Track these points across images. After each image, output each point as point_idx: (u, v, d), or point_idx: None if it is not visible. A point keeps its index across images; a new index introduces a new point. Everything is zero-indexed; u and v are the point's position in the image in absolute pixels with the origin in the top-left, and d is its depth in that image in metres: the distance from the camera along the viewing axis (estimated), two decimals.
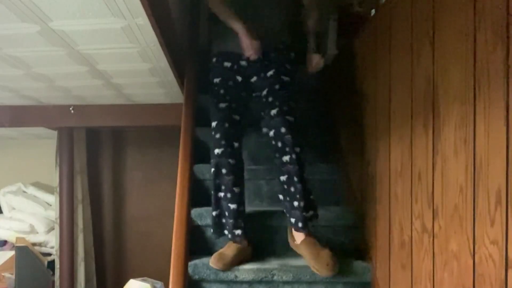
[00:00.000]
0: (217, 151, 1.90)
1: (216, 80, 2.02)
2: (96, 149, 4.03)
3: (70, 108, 2.91)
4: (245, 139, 2.09)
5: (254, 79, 2.03)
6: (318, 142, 2.55)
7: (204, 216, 2.10)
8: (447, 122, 1.22)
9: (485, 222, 1.03)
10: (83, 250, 3.63)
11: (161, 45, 1.70)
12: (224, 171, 1.90)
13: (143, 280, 2.49)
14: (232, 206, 1.92)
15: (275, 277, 1.89)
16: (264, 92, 1.96)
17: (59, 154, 3.54)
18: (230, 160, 1.90)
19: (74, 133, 3.57)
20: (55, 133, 3.51)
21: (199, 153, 2.43)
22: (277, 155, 1.91)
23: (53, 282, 3.52)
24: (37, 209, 3.83)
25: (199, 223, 2.10)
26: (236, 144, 1.93)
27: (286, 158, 1.87)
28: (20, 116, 2.91)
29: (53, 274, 3.54)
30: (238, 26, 1.95)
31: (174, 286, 1.81)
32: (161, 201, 3.92)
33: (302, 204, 1.87)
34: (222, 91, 1.98)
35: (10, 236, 3.71)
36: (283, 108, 1.89)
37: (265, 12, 2.03)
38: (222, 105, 1.96)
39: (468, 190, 1.10)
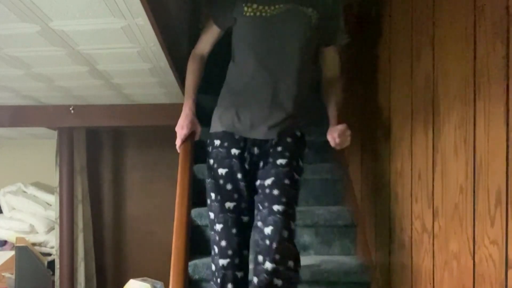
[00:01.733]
0: (222, 262, 1.56)
1: (222, 171, 1.63)
2: (96, 149, 4.02)
3: (70, 108, 2.91)
4: None
5: (261, 164, 1.66)
6: (319, 141, 2.55)
7: (204, 216, 2.10)
8: (447, 121, 1.22)
9: (485, 222, 1.03)
10: (83, 250, 3.63)
11: (161, 45, 1.69)
12: (230, 286, 1.56)
13: (143, 280, 2.49)
14: None
15: None
16: (269, 182, 1.59)
17: (59, 154, 3.53)
18: (238, 273, 1.57)
19: (74, 133, 3.57)
20: (55, 133, 3.51)
21: (199, 153, 2.43)
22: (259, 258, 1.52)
23: (53, 282, 3.52)
24: (37, 209, 3.83)
25: (199, 223, 2.10)
26: (245, 252, 1.60)
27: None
28: (20, 116, 2.91)
29: (53, 274, 3.54)
30: (185, 103, 1.76)
31: (174, 286, 1.80)
32: (161, 201, 3.92)
33: None
34: (229, 187, 1.62)
35: (10, 236, 3.71)
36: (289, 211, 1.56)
37: (286, 82, 1.66)
38: (230, 204, 1.60)
39: (468, 190, 1.10)
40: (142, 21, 1.44)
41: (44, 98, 2.72)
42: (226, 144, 1.66)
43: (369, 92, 1.99)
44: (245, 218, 1.62)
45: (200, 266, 1.93)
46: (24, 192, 3.96)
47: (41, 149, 4.13)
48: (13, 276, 3.18)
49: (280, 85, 1.64)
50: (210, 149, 1.71)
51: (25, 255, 3.17)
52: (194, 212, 2.11)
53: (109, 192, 4.07)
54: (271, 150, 1.65)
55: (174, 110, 2.67)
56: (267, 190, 1.58)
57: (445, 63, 1.24)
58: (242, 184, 1.62)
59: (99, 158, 4.05)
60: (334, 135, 1.68)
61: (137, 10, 1.35)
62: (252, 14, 1.60)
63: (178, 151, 1.87)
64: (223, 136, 1.68)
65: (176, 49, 1.96)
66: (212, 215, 1.62)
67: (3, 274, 3.30)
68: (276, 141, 1.65)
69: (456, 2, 1.17)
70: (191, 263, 1.94)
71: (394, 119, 1.68)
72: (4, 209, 3.91)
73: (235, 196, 1.61)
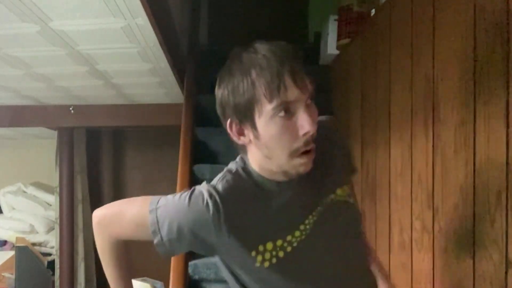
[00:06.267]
0: None
1: None
2: (96, 149, 4.02)
3: (70, 108, 2.91)
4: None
5: None
6: None
7: None
8: (447, 122, 1.22)
9: (485, 222, 1.02)
10: (83, 250, 3.64)
11: (161, 45, 1.69)
12: None
13: (143, 280, 2.49)
14: None
15: None
16: None
17: (59, 154, 3.54)
18: None
19: (74, 133, 3.57)
20: (55, 133, 3.51)
21: (199, 153, 2.43)
22: None
23: (53, 282, 3.52)
24: (37, 209, 3.83)
25: None
26: None
27: None
28: (20, 116, 2.92)
29: (53, 274, 3.54)
30: None
31: (174, 286, 1.80)
32: None
33: None
34: None
35: (10, 236, 3.71)
36: None
37: None
38: None
39: (468, 190, 1.10)
40: (142, 21, 1.45)
41: (44, 98, 2.72)
42: None
43: (369, 92, 1.99)
44: None
45: (200, 266, 1.93)
46: (24, 192, 3.96)
47: (41, 149, 4.13)
48: (13, 276, 3.18)
49: None
50: None
51: (25, 255, 3.17)
52: None
53: (109, 192, 4.07)
54: None
55: (174, 110, 2.66)
56: None
57: (445, 63, 1.24)
58: None
59: (99, 158, 4.05)
60: None
61: (137, 10, 1.36)
62: None
63: None
64: None
65: (176, 49, 1.97)
66: None
67: (3, 274, 3.30)
68: None
69: (456, 2, 1.17)
70: (191, 263, 1.93)
71: (394, 119, 1.68)
72: (4, 209, 3.91)
73: None
